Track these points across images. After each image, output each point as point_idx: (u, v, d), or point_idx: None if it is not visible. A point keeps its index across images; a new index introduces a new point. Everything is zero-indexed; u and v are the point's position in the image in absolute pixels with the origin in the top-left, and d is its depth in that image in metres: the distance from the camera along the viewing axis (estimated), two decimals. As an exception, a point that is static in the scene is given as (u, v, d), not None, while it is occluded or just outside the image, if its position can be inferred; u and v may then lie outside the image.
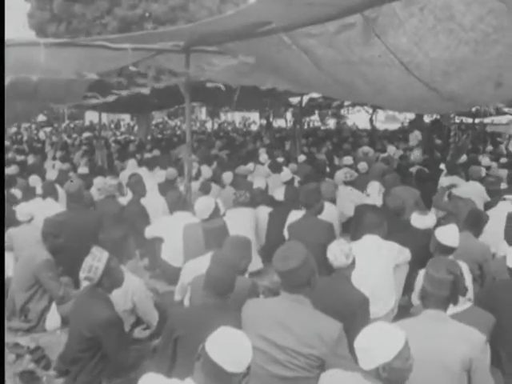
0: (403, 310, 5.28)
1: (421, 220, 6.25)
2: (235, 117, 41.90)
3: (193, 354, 2.91)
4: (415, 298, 5.03)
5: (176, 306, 5.27)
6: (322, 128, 32.04)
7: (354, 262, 4.57)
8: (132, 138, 26.77)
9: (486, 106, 17.07)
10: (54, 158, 15.74)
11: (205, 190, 9.10)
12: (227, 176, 9.91)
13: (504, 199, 7.55)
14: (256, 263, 7.08)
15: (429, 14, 4.52)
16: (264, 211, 8.02)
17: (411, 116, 22.06)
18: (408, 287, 5.60)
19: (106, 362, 4.22)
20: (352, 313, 4.17)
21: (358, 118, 33.04)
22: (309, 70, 6.49)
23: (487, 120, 29.34)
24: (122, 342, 4.25)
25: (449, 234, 5.14)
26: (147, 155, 14.57)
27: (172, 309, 4.52)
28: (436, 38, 4.81)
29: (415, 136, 16.29)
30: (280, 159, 13.19)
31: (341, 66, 6.05)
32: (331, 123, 34.05)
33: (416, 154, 12.94)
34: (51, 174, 11.18)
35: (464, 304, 4.12)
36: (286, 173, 9.88)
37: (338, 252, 4.53)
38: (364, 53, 5.51)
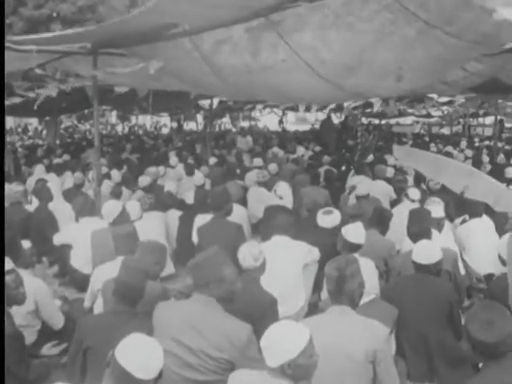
0: (313, 308, 5.37)
1: (327, 219, 6.37)
2: (146, 120, 41.45)
3: (103, 364, 2.88)
4: (324, 296, 5.13)
5: (85, 314, 5.17)
6: (234, 130, 32.15)
7: (263, 264, 4.62)
8: (40, 142, 26.04)
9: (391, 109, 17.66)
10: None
11: (115, 194, 8.98)
12: (143, 180, 9.79)
13: (407, 195, 7.79)
14: (168, 267, 7.01)
15: (329, 12, 4.65)
16: (174, 215, 7.99)
17: (321, 117, 22.44)
18: (317, 285, 5.70)
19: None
20: (261, 314, 4.20)
21: (269, 120, 33.37)
22: (211, 79, 6.53)
23: (393, 121, 30.27)
24: (21, 356, 4.12)
25: (354, 232, 5.27)
26: (56, 160, 14.22)
27: (80, 318, 4.44)
28: (337, 34, 4.94)
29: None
30: (191, 162, 13.17)
31: (243, 75, 6.10)
32: (243, 125, 34.22)
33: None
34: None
35: (367, 297, 4.24)
36: (199, 176, 9.86)
37: (247, 254, 4.58)
38: (268, 58, 5.59)
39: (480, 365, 3.34)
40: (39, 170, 12.18)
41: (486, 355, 3.12)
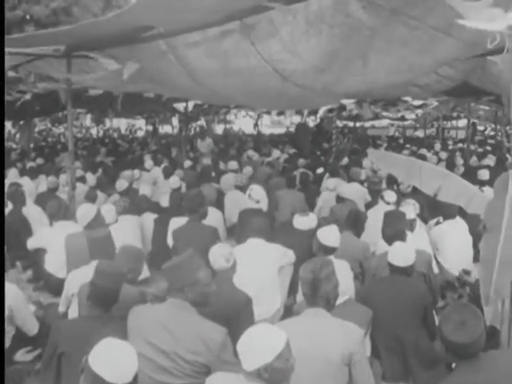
0: (289, 311, 5.39)
1: (302, 221, 6.39)
2: (121, 123, 41.24)
3: (78, 371, 2.84)
4: (300, 299, 5.15)
5: (60, 319, 5.12)
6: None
7: (235, 265, 4.64)
8: (14, 146, 25.79)
9: (365, 112, 17.73)
10: None
11: (90, 197, 8.93)
12: (121, 184, 9.75)
13: (382, 197, 7.85)
14: (143, 271, 7.01)
15: (301, 19, 4.67)
16: (149, 218, 7.96)
17: (296, 120, 22.55)
18: (293, 288, 5.72)
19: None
20: (236, 313, 4.22)
21: (244, 123, 33.40)
22: (186, 81, 6.53)
23: (368, 124, 30.49)
24: None
25: (329, 235, 5.30)
26: (30, 164, 14.10)
27: (55, 323, 4.40)
28: (308, 42, 4.98)
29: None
30: (168, 165, 13.15)
31: (218, 78, 6.12)
32: (218, 129, 34.21)
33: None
34: None
35: (340, 298, 4.26)
36: (174, 179, 9.84)
37: (218, 255, 4.60)
38: (240, 63, 5.62)
39: (453, 365, 3.37)
40: (13, 174, 12.04)
41: (459, 355, 3.16)
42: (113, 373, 2.69)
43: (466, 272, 6.59)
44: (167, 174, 11.35)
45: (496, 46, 3.41)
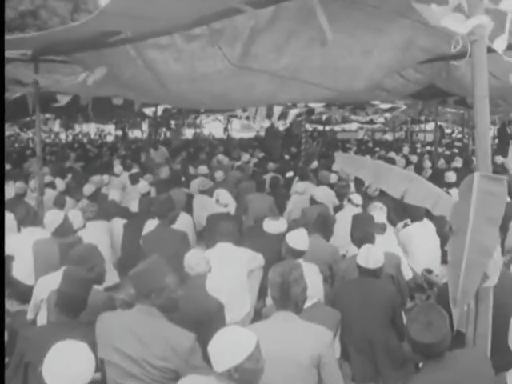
0: (259, 314, 5.40)
1: (273, 225, 6.42)
2: (90, 128, 40.94)
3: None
4: (270, 302, 5.17)
5: (28, 326, 5.06)
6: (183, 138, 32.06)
7: (209, 271, 4.67)
8: (-20, 152, 25.39)
9: (334, 116, 17.88)
10: None
11: (59, 203, 8.85)
12: (88, 188, 9.69)
13: (350, 200, 7.91)
14: (112, 277, 6.97)
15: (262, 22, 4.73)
16: (119, 223, 7.92)
17: (266, 124, 22.60)
18: (263, 291, 5.74)
19: None
20: (208, 319, 4.24)
21: (214, 128, 33.38)
22: (154, 86, 6.52)
23: (338, 127, 30.67)
24: None
25: (298, 238, 5.32)
26: (-3, 170, 13.90)
27: (22, 331, 4.36)
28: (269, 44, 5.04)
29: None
30: (135, 171, 13.10)
31: (185, 82, 6.12)
32: (188, 133, 34.13)
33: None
34: None
35: (309, 301, 4.29)
36: (144, 184, 9.81)
37: (192, 261, 4.61)
38: (208, 67, 5.64)
39: (420, 364, 3.43)
40: (-21, 180, 11.90)
41: (425, 355, 3.22)
42: (62, 381, 2.67)
43: (428, 271, 6.70)
44: (134, 179, 11.32)
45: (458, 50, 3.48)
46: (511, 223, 7.54)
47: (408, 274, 6.09)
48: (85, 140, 35.04)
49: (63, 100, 11.21)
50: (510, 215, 7.16)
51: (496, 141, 20.49)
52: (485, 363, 3.40)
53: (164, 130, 29.86)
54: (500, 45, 3.59)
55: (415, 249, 6.97)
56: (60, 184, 10.53)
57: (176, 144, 21.92)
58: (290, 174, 12.65)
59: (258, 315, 5.42)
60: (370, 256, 4.92)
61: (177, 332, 3.49)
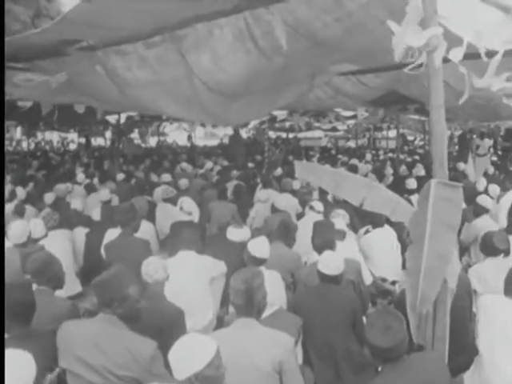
0: (222, 322, 5.41)
1: (236, 233, 6.44)
2: (53, 136, 40.42)
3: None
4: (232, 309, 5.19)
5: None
6: (143, 146, 31.88)
7: (167, 278, 4.68)
8: None
9: (297, 123, 17.98)
10: None
11: (18, 212, 8.75)
12: (49, 197, 9.61)
13: (312, 207, 7.97)
14: (75, 286, 6.94)
15: (228, 33, 4.77)
16: (81, 232, 7.87)
17: (230, 132, 22.65)
18: (226, 299, 5.75)
19: None
20: (169, 327, 4.25)
21: (178, 135, 33.24)
22: (115, 93, 6.51)
23: (301, 135, 30.83)
24: None
25: (259, 246, 5.33)
26: (-44, 178, 13.67)
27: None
28: (235, 55, 5.08)
29: None
30: (89, 181, 13.02)
31: (148, 89, 6.12)
32: (152, 141, 33.96)
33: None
34: None
35: (271, 308, 4.33)
36: (105, 192, 9.75)
37: (150, 268, 4.63)
38: (169, 73, 5.66)
39: (379, 368, 3.49)
40: None
41: (384, 359, 3.28)
42: None
43: (383, 279, 6.79)
44: (90, 189, 11.30)
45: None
46: (465, 226, 7.71)
47: (369, 280, 6.16)
48: (47, 148, 34.63)
49: (25, 107, 11.10)
50: (465, 221, 7.39)
51: (457, 148, 20.81)
52: (442, 366, 3.50)
53: (127, 137, 29.71)
54: (456, 55, 3.69)
55: (376, 255, 7.07)
56: (21, 192, 10.40)
57: (131, 153, 21.83)
58: (253, 181, 12.69)
59: (220, 322, 5.43)
60: (330, 262, 4.95)
61: (138, 340, 3.50)
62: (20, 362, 2.79)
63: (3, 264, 4.06)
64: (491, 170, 14.20)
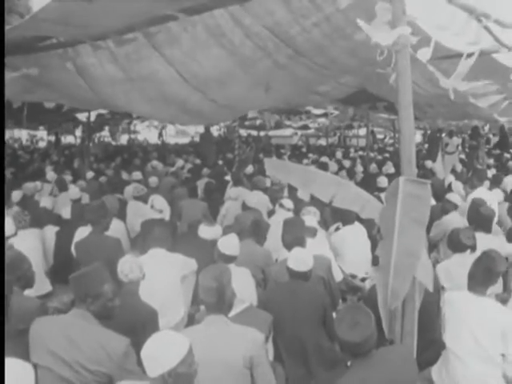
0: (193, 319, 5.42)
1: (208, 231, 6.46)
2: (22, 133, 39.90)
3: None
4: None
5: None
6: (114, 144, 31.66)
7: (142, 278, 4.69)
8: None
9: (267, 121, 18.01)
10: None
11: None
12: (16, 195, 9.52)
13: (282, 205, 8.00)
14: (44, 286, 6.88)
15: (202, 30, 4.78)
16: (51, 231, 7.80)
17: (200, 130, 22.58)
18: (197, 296, 5.75)
19: None
20: (142, 325, 4.26)
21: (149, 133, 33.09)
22: (85, 90, 6.48)
23: (272, 133, 30.87)
24: None
25: (228, 244, 5.32)
26: None
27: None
28: (208, 51, 5.09)
29: None
30: (68, 177, 12.91)
31: (119, 85, 6.10)
32: (123, 139, 33.73)
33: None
34: None
35: (241, 305, 4.36)
36: (74, 191, 9.68)
37: (126, 267, 4.62)
38: (142, 69, 5.65)
39: (349, 363, 3.54)
40: None
41: (353, 354, 3.33)
42: None
43: (353, 276, 6.86)
44: (61, 187, 11.21)
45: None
46: (434, 224, 7.80)
47: (339, 276, 6.20)
48: (16, 146, 34.21)
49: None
50: (433, 218, 7.48)
51: (426, 146, 21.01)
52: (409, 360, 3.56)
53: (98, 135, 29.43)
54: (424, 54, 3.75)
55: (347, 251, 7.12)
56: (-12, 191, 10.28)
57: (99, 152, 21.72)
58: (224, 179, 12.68)
59: (191, 320, 5.45)
60: (299, 259, 4.98)
61: (111, 336, 3.52)
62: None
63: (3, 263, 4.02)
64: (459, 167, 14.37)
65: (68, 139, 31.14)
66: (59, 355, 3.42)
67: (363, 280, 6.87)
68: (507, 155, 18.75)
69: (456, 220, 7.65)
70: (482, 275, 4.44)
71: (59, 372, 3.41)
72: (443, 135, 16.52)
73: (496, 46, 5.39)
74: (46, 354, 3.44)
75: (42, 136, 35.95)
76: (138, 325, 4.25)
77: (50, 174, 13.20)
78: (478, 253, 5.03)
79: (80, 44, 5.34)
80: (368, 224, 7.18)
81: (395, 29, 3.54)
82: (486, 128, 18.36)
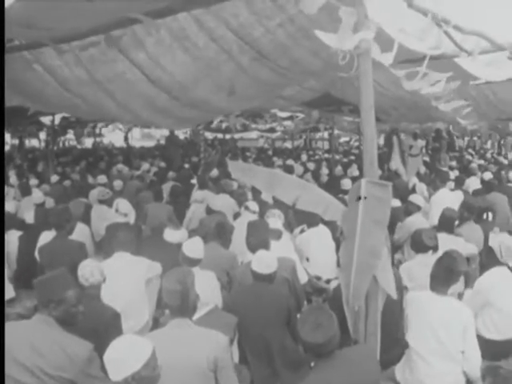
0: (158, 323, 5.41)
1: (173, 234, 6.45)
2: (-16, 138, 39.31)
3: None
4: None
5: None
6: (79, 147, 31.37)
7: (103, 281, 4.67)
8: None
9: (233, 124, 18.01)
10: None
11: None
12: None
13: (247, 207, 8.02)
14: (7, 291, 6.78)
15: (166, 34, 4.79)
16: (14, 235, 7.70)
17: (166, 133, 22.49)
18: (161, 300, 5.73)
19: None
20: (104, 329, 4.24)
21: (114, 136, 32.85)
22: (54, 91, 6.42)
23: (238, 136, 30.92)
24: None
25: (193, 247, 5.33)
26: None
27: None
28: (173, 55, 5.10)
29: None
30: (34, 180, 12.78)
31: (88, 86, 6.07)
32: (88, 142, 33.44)
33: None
34: None
35: (205, 308, 4.37)
36: (38, 195, 9.58)
37: (86, 271, 4.61)
38: (108, 72, 5.62)
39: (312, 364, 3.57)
40: None
41: (316, 355, 3.37)
42: None
43: (318, 278, 6.91)
44: (24, 191, 11.08)
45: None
46: (398, 226, 7.90)
47: (304, 278, 6.23)
48: (-22, 150, 33.69)
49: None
50: (396, 218, 7.57)
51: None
52: (372, 359, 3.62)
53: (62, 138, 29.12)
54: (387, 58, 3.81)
55: (312, 253, 7.16)
56: None
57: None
58: (189, 182, 12.66)
59: (156, 324, 5.43)
60: (263, 261, 5.00)
61: (74, 342, 3.49)
62: None
63: (3, 263, 3.99)
64: (423, 169, 14.54)
65: (32, 143, 30.79)
66: (20, 361, 3.37)
67: (328, 282, 6.91)
68: (469, 157, 19.02)
69: (419, 221, 7.75)
70: (443, 275, 4.52)
71: (19, 378, 3.35)
72: (402, 136, 16.63)
73: (456, 50, 5.50)
74: (12, 362, 3.37)
75: (6, 139, 35.44)
76: (101, 328, 4.23)
77: (14, 179, 13.06)
78: (440, 253, 5.11)
79: (44, 47, 5.30)
80: (333, 226, 7.22)
81: (357, 33, 3.59)
82: (451, 129, 18.63)
